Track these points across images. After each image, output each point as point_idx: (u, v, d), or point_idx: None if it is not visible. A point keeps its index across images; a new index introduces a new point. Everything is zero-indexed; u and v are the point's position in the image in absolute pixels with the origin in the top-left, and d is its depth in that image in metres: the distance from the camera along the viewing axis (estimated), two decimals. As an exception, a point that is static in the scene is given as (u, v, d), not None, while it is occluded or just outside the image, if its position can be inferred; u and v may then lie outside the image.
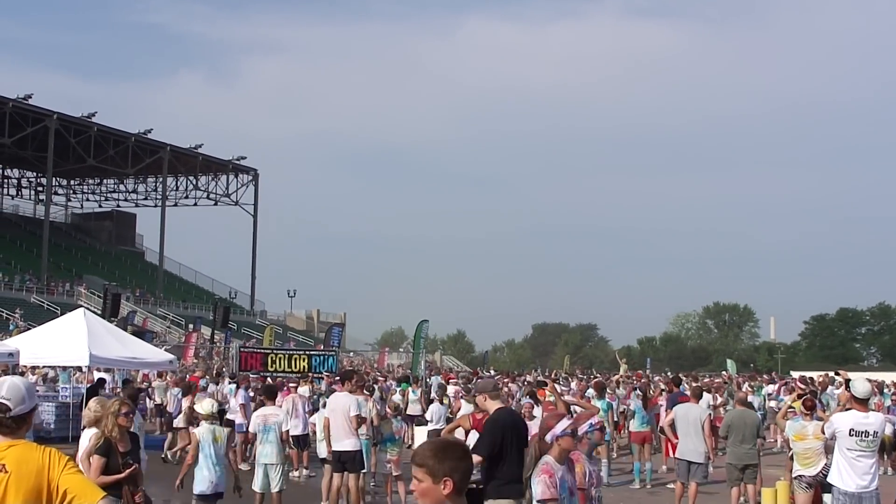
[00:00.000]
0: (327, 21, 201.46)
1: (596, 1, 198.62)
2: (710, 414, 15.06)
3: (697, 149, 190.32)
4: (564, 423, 5.93)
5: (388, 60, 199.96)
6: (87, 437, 9.35)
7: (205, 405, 10.59)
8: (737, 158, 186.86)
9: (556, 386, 19.11)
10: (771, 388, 30.55)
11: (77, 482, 4.16)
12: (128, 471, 7.93)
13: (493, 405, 8.84)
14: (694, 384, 22.84)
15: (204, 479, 10.12)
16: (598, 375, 40.31)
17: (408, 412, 21.74)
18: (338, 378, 20.41)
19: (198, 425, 10.64)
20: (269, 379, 22.87)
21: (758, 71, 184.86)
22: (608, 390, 21.54)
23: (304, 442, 17.34)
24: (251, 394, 20.24)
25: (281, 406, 18.03)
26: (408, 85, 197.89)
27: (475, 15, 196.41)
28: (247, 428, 17.60)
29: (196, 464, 10.12)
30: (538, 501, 5.85)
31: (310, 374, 22.77)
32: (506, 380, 30.71)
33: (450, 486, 3.53)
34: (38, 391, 23.72)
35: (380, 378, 30.40)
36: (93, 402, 9.70)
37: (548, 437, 5.86)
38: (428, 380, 28.84)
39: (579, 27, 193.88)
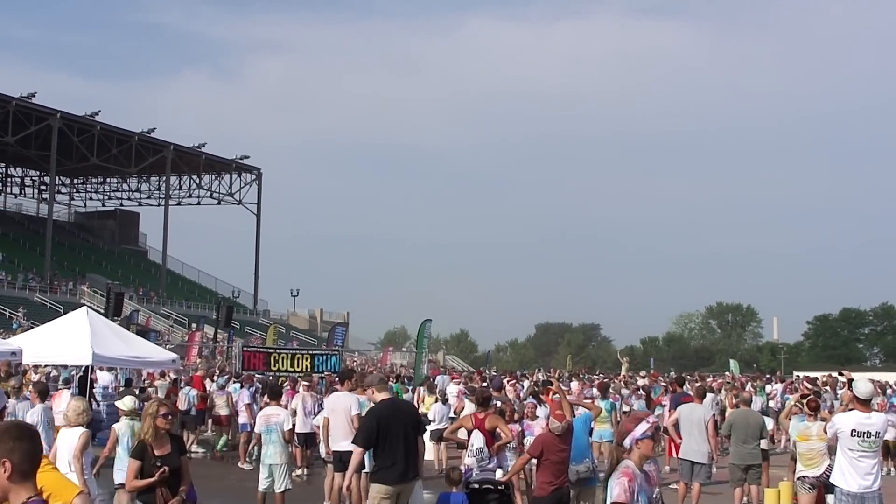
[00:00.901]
0: (330, 20, 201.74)
1: (598, 0, 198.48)
2: (713, 414, 15.04)
3: (701, 150, 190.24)
4: (644, 427, 5.64)
5: (391, 60, 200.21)
6: (76, 435, 9.38)
7: (126, 402, 11.03)
8: (740, 159, 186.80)
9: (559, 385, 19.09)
10: (769, 388, 30.56)
11: (52, 480, 4.14)
12: (157, 474, 7.56)
13: (379, 397, 9.53)
14: (697, 384, 22.82)
15: (123, 471, 10.43)
16: (605, 375, 40.26)
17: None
18: (337, 378, 20.45)
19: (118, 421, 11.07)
20: (270, 378, 22.87)
21: (762, 71, 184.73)
22: (611, 390, 21.57)
23: (310, 441, 17.29)
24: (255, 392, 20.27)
25: (287, 406, 18.10)
26: (411, 84, 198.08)
27: (477, 14, 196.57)
28: (251, 427, 17.64)
29: (117, 457, 10.49)
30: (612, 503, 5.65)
31: (313, 375, 22.77)
32: (511, 380, 30.68)
33: (9, 468, 3.48)
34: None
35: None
36: (74, 402, 9.75)
37: (626, 442, 5.62)
38: (434, 380, 28.72)
39: (582, 27, 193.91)
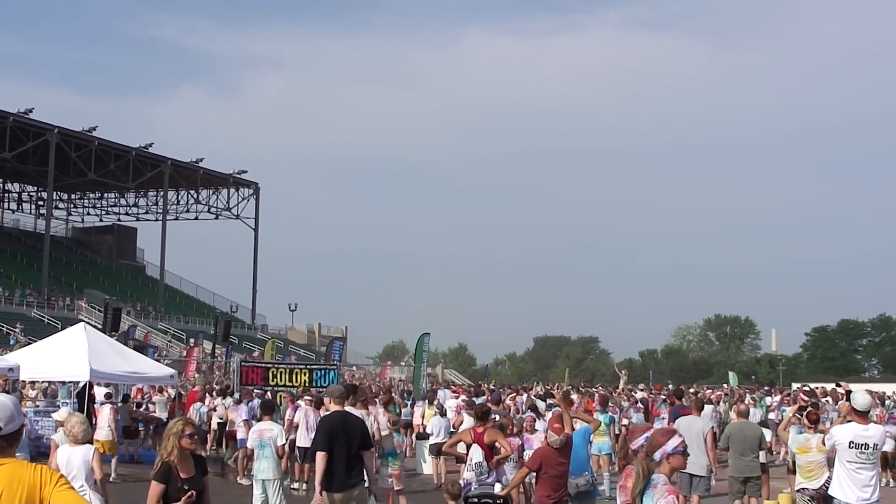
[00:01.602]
0: (328, 35, 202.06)
1: (596, 14, 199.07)
2: (712, 426, 15.02)
3: (698, 162, 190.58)
4: (676, 441, 5.56)
5: (388, 74, 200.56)
6: (89, 453, 9.28)
7: (62, 413, 11.44)
8: (738, 171, 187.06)
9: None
10: (769, 400, 30.56)
11: (69, 498, 4.14)
12: (184, 498, 7.03)
13: (333, 407, 10.31)
14: (698, 395, 22.82)
15: None
16: (605, 389, 40.23)
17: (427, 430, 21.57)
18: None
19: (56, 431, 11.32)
20: (268, 394, 22.84)
21: (759, 84, 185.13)
22: (610, 403, 21.55)
23: (310, 454, 17.26)
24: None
25: (292, 419, 18.04)
26: (409, 99, 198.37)
27: (475, 29, 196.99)
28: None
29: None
30: None
31: (312, 389, 22.75)
32: (511, 393, 30.68)
33: None
34: (38, 406, 23.74)
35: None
36: (77, 418, 9.69)
37: (657, 455, 5.51)
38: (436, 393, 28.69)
39: (580, 41, 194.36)
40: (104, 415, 19.50)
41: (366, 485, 10.12)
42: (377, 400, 20.70)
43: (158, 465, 7.15)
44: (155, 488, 7.06)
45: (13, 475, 4.13)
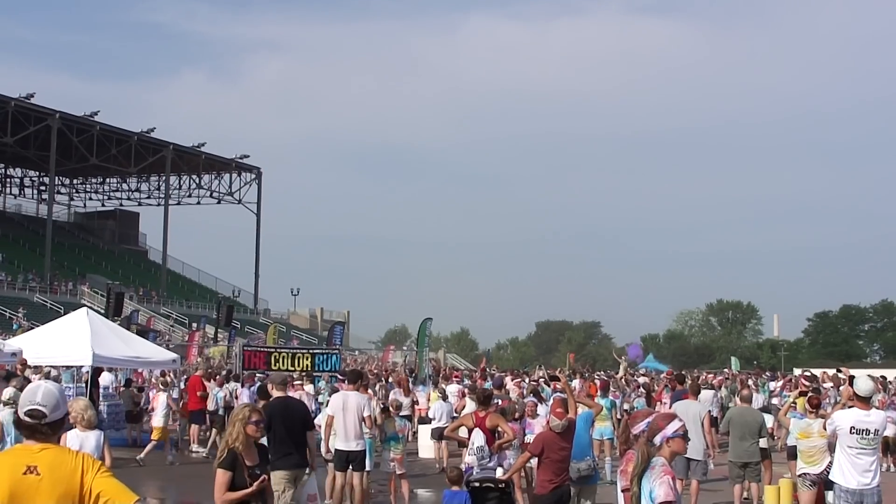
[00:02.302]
0: (329, 20, 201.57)
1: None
2: (710, 410, 15.04)
3: (700, 147, 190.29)
4: (676, 425, 5.55)
5: (390, 59, 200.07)
6: (100, 438, 9.26)
7: (7, 391, 11.39)
8: (740, 156, 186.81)
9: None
10: (773, 385, 30.56)
11: (111, 485, 4.25)
12: (256, 483, 6.80)
13: (276, 393, 11.28)
14: (691, 381, 22.80)
15: None
16: (605, 374, 40.29)
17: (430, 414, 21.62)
18: (341, 377, 20.46)
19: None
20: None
21: (761, 69, 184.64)
22: (612, 388, 21.58)
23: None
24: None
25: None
26: (410, 83, 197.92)
27: (476, 13, 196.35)
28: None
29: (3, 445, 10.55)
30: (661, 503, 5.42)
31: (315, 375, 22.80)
32: (515, 378, 30.67)
33: None
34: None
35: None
36: (84, 402, 9.67)
37: (657, 439, 5.50)
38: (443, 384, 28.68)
39: (581, 25, 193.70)
40: (161, 401, 19.64)
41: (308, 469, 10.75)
42: (398, 380, 20.84)
43: (224, 453, 6.93)
44: (222, 476, 6.85)
45: (55, 461, 4.24)
